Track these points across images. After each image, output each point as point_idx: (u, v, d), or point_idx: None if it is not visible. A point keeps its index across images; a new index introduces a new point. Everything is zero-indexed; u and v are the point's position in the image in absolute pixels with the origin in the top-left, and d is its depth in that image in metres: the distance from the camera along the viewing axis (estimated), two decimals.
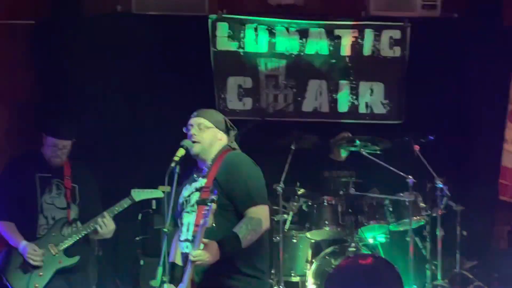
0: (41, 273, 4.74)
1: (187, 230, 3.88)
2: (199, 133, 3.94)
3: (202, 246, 3.59)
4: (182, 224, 3.95)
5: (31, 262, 4.70)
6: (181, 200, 4.01)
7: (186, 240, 3.86)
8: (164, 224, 4.06)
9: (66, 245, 4.79)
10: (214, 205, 3.59)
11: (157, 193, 5.09)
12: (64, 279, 4.79)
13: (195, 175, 4.03)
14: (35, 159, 4.90)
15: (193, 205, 3.89)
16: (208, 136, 3.97)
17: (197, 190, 3.91)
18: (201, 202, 3.73)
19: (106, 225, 4.81)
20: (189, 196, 3.95)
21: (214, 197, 3.61)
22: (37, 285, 4.70)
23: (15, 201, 4.83)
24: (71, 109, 6.49)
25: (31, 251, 4.70)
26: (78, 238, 4.81)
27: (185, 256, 3.85)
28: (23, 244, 4.73)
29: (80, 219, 4.90)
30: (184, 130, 4.04)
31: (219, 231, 3.74)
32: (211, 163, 3.95)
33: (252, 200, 3.87)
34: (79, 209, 4.91)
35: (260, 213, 3.88)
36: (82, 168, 5.05)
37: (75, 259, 4.82)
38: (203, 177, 3.93)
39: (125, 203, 4.95)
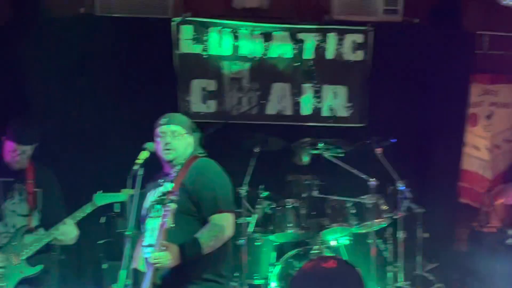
0: (2, 284, 4.67)
1: (151, 235, 3.87)
2: (173, 140, 3.97)
3: (162, 248, 3.60)
4: (146, 229, 3.96)
5: None
6: (147, 205, 4.01)
7: (150, 245, 3.86)
8: (127, 227, 4.06)
9: (28, 255, 4.71)
10: (172, 205, 3.59)
11: (121, 196, 5.06)
12: None
13: (160, 180, 4.02)
14: None
15: (157, 210, 3.88)
16: (182, 143, 4.02)
17: (163, 194, 3.88)
18: (159, 202, 3.73)
19: (67, 232, 4.75)
20: (154, 201, 3.95)
21: (173, 197, 3.61)
22: None
23: None
24: (33, 112, 6.41)
25: None
26: (40, 246, 4.74)
27: (147, 261, 3.85)
28: None
29: (43, 225, 4.84)
30: (153, 144, 4.02)
31: (182, 236, 3.75)
32: (179, 168, 3.97)
33: (218, 207, 3.90)
34: (42, 215, 4.85)
35: (224, 220, 3.90)
36: (46, 171, 5.00)
37: (37, 268, 4.76)
38: (171, 181, 3.95)
39: (87, 208, 4.90)
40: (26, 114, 6.27)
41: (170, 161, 4.00)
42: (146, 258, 3.91)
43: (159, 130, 4.02)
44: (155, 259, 3.60)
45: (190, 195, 3.85)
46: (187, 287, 3.84)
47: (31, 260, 4.74)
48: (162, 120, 4.05)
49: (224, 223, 3.89)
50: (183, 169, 3.97)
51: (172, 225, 3.61)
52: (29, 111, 6.45)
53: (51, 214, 4.86)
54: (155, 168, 4.19)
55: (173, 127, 4.01)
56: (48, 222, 4.83)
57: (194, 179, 3.92)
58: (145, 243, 3.93)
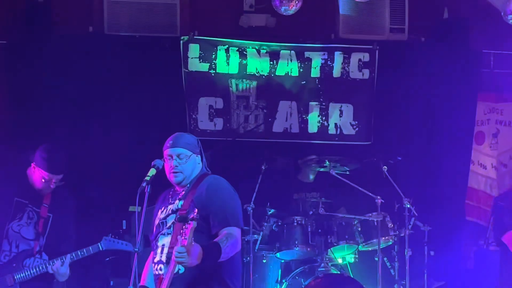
0: None
1: (161, 252, 3.88)
2: (180, 163, 3.97)
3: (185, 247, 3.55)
4: (157, 246, 3.95)
5: None
6: (157, 222, 4.01)
7: (160, 261, 3.87)
8: (134, 244, 4.07)
9: (24, 279, 4.71)
10: (195, 223, 3.58)
11: (128, 246, 5.04)
12: None
13: (171, 198, 4.04)
14: (19, 180, 4.85)
15: (169, 227, 3.90)
16: (189, 165, 4.01)
17: (173, 212, 3.93)
18: (181, 220, 3.72)
19: (59, 272, 4.72)
20: (165, 218, 3.96)
21: (194, 215, 3.61)
22: None
23: None
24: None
25: None
26: (36, 273, 4.73)
27: (157, 278, 3.85)
28: None
29: (45, 249, 4.84)
30: (161, 161, 4.01)
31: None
32: (189, 186, 3.98)
33: (227, 222, 3.90)
34: (48, 240, 4.85)
35: (236, 233, 3.90)
36: (64, 196, 4.99)
37: None
38: (180, 199, 3.95)
39: (92, 249, 4.88)
40: (35, 135, 6.27)
41: (178, 183, 4.02)
42: (155, 275, 3.91)
43: (166, 153, 4.01)
44: (178, 253, 3.55)
45: (200, 211, 3.79)
46: None
47: (26, 284, 4.74)
48: (169, 142, 4.04)
49: (236, 235, 3.89)
50: (193, 187, 3.98)
51: (191, 243, 3.61)
52: (33, 134, 6.43)
53: (58, 241, 4.86)
54: (163, 185, 4.21)
55: (179, 150, 3.99)
56: (52, 249, 4.83)
57: (205, 196, 3.92)
58: (155, 259, 3.92)
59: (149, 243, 4.11)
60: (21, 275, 4.72)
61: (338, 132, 7.23)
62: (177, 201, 3.97)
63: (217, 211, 3.91)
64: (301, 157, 6.75)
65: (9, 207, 4.78)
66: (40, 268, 4.74)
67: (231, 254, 3.82)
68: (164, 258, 3.82)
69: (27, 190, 4.83)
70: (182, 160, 3.98)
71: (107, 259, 6.49)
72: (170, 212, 3.96)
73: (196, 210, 3.68)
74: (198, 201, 3.89)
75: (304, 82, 7.14)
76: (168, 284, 3.67)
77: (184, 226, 3.59)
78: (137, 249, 4.00)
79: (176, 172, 3.96)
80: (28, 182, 4.85)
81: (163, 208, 4.04)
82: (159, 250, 3.92)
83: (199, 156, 4.10)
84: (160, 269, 3.84)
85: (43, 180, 4.78)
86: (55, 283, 5.00)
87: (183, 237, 3.54)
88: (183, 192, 4.00)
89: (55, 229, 4.86)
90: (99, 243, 4.89)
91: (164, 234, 3.93)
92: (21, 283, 4.72)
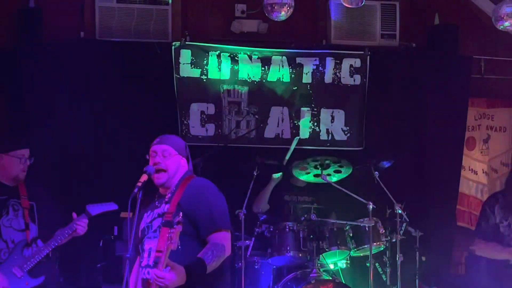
0: None
1: (148, 255, 3.87)
2: (163, 160, 3.94)
3: (166, 268, 3.56)
4: (143, 250, 3.94)
5: None
6: (142, 225, 4.00)
7: (147, 265, 3.85)
8: (126, 250, 4.06)
9: (30, 267, 4.75)
10: (180, 227, 3.57)
11: (111, 205, 5.09)
12: None
13: (156, 201, 4.03)
14: None
15: (155, 231, 3.88)
16: (172, 163, 3.98)
17: (159, 215, 3.90)
18: (166, 224, 3.70)
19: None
20: (151, 222, 3.94)
21: (179, 219, 3.58)
22: None
23: None
24: (34, 131, 6.42)
25: None
26: (40, 258, 4.78)
27: (145, 282, 3.83)
28: None
29: (40, 236, 4.86)
30: (146, 157, 4.04)
31: (181, 256, 3.72)
32: (174, 189, 3.96)
33: (216, 226, 3.89)
34: (39, 227, 4.88)
35: (224, 239, 3.88)
36: (36, 186, 5.04)
37: (41, 279, 4.79)
38: (166, 202, 3.93)
39: (83, 217, 4.93)
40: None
41: (161, 185, 3.98)
42: (143, 279, 3.88)
43: (151, 150, 3.98)
44: (159, 279, 3.56)
45: (187, 215, 3.79)
46: None
47: (34, 272, 4.76)
48: (156, 140, 4.03)
49: (223, 242, 3.87)
50: (179, 190, 3.94)
51: (179, 247, 3.58)
52: (25, 136, 6.39)
53: (47, 225, 4.90)
54: (153, 191, 4.20)
55: (162, 147, 3.97)
56: (45, 234, 4.87)
57: (191, 199, 3.89)
58: (142, 263, 3.91)
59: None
60: (27, 263, 4.76)
61: (330, 137, 7.24)
62: (163, 205, 3.94)
63: (205, 214, 3.88)
64: (292, 162, 6.76)
65: None
66: (42, 249, 4.79)
67: (217, 265, 3.81)
68: (151, 262, 3.79)
69: (2, 187, 4.86)
70: (166, 158, 3.94)
71: (99, 265, 6.48)
72: (156, 215, 3.93)
73: (181, 213, 3.65)
74: (184, 204, 3.86)
75: (296, 87, 7.15)
76: None
77: (170, 231, 3.56)
78: (129, 255, 4.00)
79: (158, 171, 3.92)
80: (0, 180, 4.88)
81: (149, 212, 4.02)
82: (146, 254, 3.90)
83: (184, 159, 4.07)
84: (148, 273, 3.80)
85: (15, 160, 4.82)
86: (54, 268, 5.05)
87: (170, 242, 3.52)
88: (169, 195, 3.97)
89: (42, 215, 4.93)
90: (86, 212, 4.95)
91: (150, 238, 3.90)
92: (29, 271, 4.75)
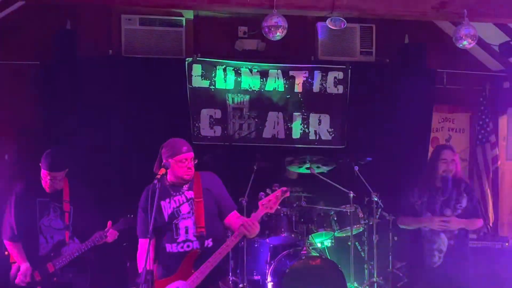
0: (39, 286, 4.67)
1: (186, 232, 4.00)
2: (192, 165, 4.09)
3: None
4: (178, 228, 4.02)
5: (21, 282, 4.65)
6: (169, 211, 4.04)
7: (187, 240, 3.98)
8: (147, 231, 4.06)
9: (62, 264, 4.70)
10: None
11: None
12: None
13: (171, 191, 4.04)
14: (36, 186, 4.80)
15: (189, 212, 4.00)
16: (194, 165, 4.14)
17: (187, 200, 4.03)
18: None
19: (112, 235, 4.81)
20: (179, 207, 4.03)
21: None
22: None
23: (21, 224, 4.73)
24: (67, 139, 6.36)
25: (21, 277, 4.64)
26: (72, 258, 4.72)
27: (184, 254, 3.98)
28: (23, 266, 4.67)
29: (78, 235, 4.81)
30: (169, 163, 4.08)
31: (211, 232, 4.00)
32: (192, 180, 4.08)
33: (233, 206, 4.22)
34: (75, 228, 4.81)
35: (240, 216, 4.23)
36: (79, 190, 4.93)
37: (68, 276, 4.72)
38: (188, 190, 4.06)
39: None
40: (59, 143, 6.19)
41: (188, 180, 4.08)
42: (181, 252, 4.00)
43: (183, 156, 4.05)
44: (253, 225, 4.02)
45: (215, 197, 4.07)
46: (218, 280, 4.17)
47: (64, 269, 4.72)
48: (184, 148, 4.08)
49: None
50: (196, 180, 4.07)
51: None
52: (63, 138, 6.41)
53: (84, 226, 4.83)
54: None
55: (192, 154, 4.09)
56: (82, 234, 4.80)
57: (212, 185, 4.12)
58: (179, 239, 4.01)
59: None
60: (59, 261, 4.69)
61: (317, 137, 7.22)
62: (185, 193, 4.05)
63: (224, 198, 4.14)
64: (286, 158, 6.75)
65: (34, 209, 4.74)
66: (79, 249, 4.73)
67: None
68: (191, 237, 3.98)
69: (44, 191, 4.80)
70: (192, 162, 4.08)
71: (124, 244, 6.46)
72: (182, 201, 4.03)
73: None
74: (210, 189, 4.08)
75: (289, 96, 7.13)
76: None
77: (269, 199, 4.07)
78: (149, 236, 3.99)
79: (191, 172, 4.06)
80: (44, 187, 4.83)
81: (168, 200, 4.05)
82: (182, 232, 4.01)
83: None
84: (188, 246, 3.95)
85: (44, 177, 4.74)
86: (84, 266, 4.96)
87: (272, 205, 4.08)
88: (188, 185, 4.07)
89: (79, 218, 4.82)
90: (119, 222, 4.93)
91: (185, 218, 4.00)
92: (60, 268, 4.69)
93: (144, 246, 4.03)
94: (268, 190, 6.40)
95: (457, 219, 5.05)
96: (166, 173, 4.09)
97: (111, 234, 4.72)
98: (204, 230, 3.94)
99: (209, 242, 4.01)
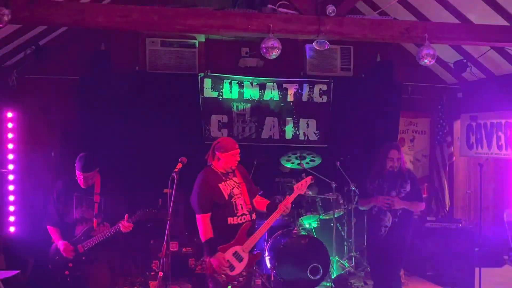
0: (70, 264, 4.67)
1: (241, 207, 4.20)
2: (238, 157, 4.34)
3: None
4: (236, 204, 4.20)
5: (64, 254, 4.65)
6: (228, 191, 4.23)
7: (243, 214, 4.21)
8: (167, 215, 4.07)
9: (90, 245, 4.69)
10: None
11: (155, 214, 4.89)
12: (88, 267, 4.72)
13: (223, 177, 4.29)
14: (73, 183, 4.80)
15: (240, 192, 4.24)
16: None
17: (236, 183, 4.28)
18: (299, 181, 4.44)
19: (126, 225, 4.67)
20: (232, 189, 4.26)
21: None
22: (67, 272, 4.68)
23: (61, 215, 4.76)
24: (100, 142, 6.32)
25: (65, 248, 4.66)
26: (98, 241, 4.70)
27: (241, 224, 4.19)
28: (60, 242, 4.69)
29: (108, 221, 4.78)
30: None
31: (253, 208, 4.33)
32: (233, 170, 4.32)
33: (259, 189, 4.60)
34: (105, 215, 4.78)
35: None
36: (109, 184, 4.89)
37: (95, 255, 4.71)
38: (233, 176, 4.31)
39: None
40: (94, 144, 6.16)
41: (234, 169, 4.31)
42: (239, 223, 4.19)
43: (235, 152, 4.28)
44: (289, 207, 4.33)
45: (248, 182, 4.36)
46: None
47: (92, 249, 4.70)
48: (236, 145, 4.30)
49: None
50: (236, 170, 4.33)
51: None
52: (98, 140, 6.39)
53: (113, 214, 4.78)
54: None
55: (239, 150, 4.33)
56: (111, 220, 4.76)
57: (245, 173, 4.42)
58: (239, 213, 4.19)
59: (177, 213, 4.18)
60: (88, 243, 4.69)
61: (306, 138, 7.22)
62: (233, 178, 4.31)
63: (251, 183, 4.45)
64: (280, 155, 6.76)
65: (71, 202, 4.75)
66: (107, 233, 4.70)
67: None
68: (245, 211, 4.20)
69: (79, 187, 4.79)
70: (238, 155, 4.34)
71: (149, 225, 6.47)
72: (234, 184, 4.27)
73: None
74: (245, 176, 4.38)
75: (283, 104, 7.13)
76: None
77: (301, 183, 4.35)
78: (168, 218, 3.99)
79: (236, 163, 4.32)
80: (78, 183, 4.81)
81: (223, 183, 4.26)
82: (240, 207, 4.20)
83: None
84: (244, 219, 4.20)
85: (78, 177, 4.73)
86: (111, 247, 4.95)
87: (304, 188, 4.35)
88: (231, 173, 4.32)
89: (107, 208, 4.81)
90: (135, 214, 4.79)
91: (239, 197, 4.21)
92: (89, 249, 4.69)
93: (204, 220, 4.15)
94: (277, 179, 6.50)
95: (400, 200, 5.03)
96: (212, 164, 4.29)
97: (123, 225, 4.65)
98: (251, 206, 4.24)
99: (253, 215, 4.27)
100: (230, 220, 4.15)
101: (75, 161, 4.77)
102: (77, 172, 4.73)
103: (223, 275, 4.07)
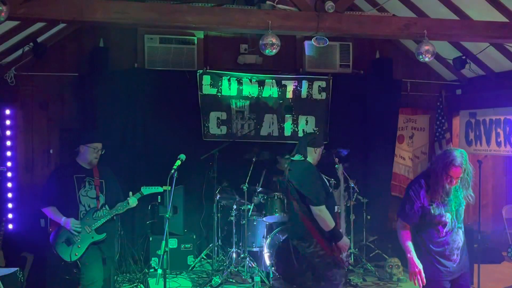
0: (79, 245, 4.67)
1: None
2: None
3: None
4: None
5: (74, 230, 4.64)
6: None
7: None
8: (166, 212, 4.05)
9: (96, 226, 4.72)
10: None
11: (159, 189, 4.99)
12: (96, 248, 4.75)
13: None
14: (73, 166, 4.85)
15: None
16: None
17: None
18: None
19: (133, 203, 4.80)
20: None
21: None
22: (76, 254, 4.66)
23: (61, 195, 4.75)
24: (114, 144, 6.36)
25: (74, 223, 4.66)
26: (105, 219, 4.74)
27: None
28: (63, 219, 4.69)
29: (108, 204, 4.85)
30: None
31: None
32: None
33: None
34: (106, 197, 4.85)
35: None
36: (106, 170, 4.98)
37: (103, 235, 4.75)
38: None
39: (137, 195, 4.90)
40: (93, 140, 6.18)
41: None
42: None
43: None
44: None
45: None
46: None
47: (99, 229, 4.74)
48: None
49: None
50: None
51: None
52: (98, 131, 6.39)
53: (112, 196, 4.87)
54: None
55: None
56: (110, 202, 4.83)
57: None
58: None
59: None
60: (95, 223, 4.72)
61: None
62: None
63: None
64: (279, 152, 6.73)
65: (72, 183, 4.76)
66: (108, 214, 4.75)
67: None
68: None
69: (80, 169, 4.83)
70: None
71: (148, 222, 6.46)
72: None
73: None
74: None
75: (282, 101, 7.11)
76: None
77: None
78: (167, 215, 3.98)
79: None
80: (80, 166, 4.84)
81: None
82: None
83: None
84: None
85: (92, 152, 4.78)
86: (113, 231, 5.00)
87: None
88: None
89: (108, 190, 4.87)
90: (140, 190, 4.91)
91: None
92: (96, 229, 4.73)
93: (326, 210, 4.50)
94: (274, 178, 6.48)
95: None
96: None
97: (132, 200, 4.78)
98: None
99: None
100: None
101: (82, 140, 4.83)
102: (86, 148, 4.76)
103: (344, 254, 4.52)
